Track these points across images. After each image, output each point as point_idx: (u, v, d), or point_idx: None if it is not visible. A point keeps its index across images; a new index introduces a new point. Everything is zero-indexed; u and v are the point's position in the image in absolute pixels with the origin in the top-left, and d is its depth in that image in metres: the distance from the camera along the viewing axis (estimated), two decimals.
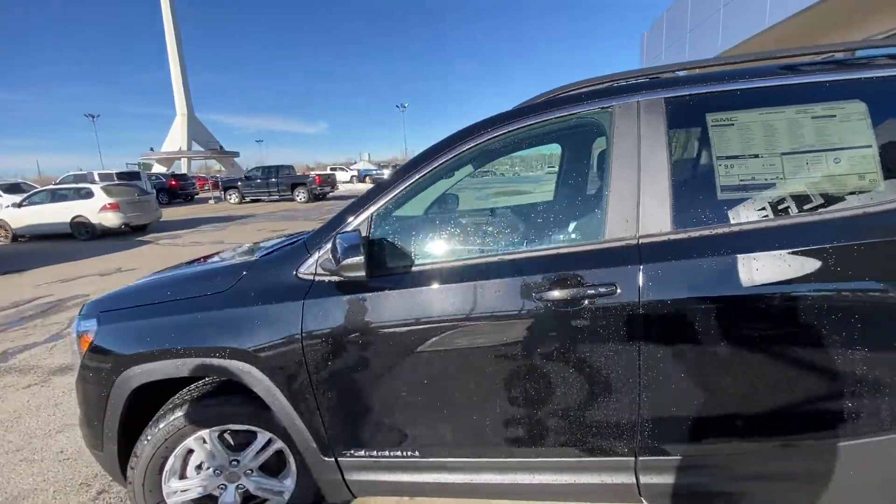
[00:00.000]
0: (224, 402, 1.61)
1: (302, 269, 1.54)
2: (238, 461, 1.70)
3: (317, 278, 1.52)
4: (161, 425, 1.60)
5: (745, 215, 1.31)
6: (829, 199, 1.28)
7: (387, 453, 1.53)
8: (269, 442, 1.68)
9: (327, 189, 20.56)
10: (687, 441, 1.35)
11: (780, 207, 1.30)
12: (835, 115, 1.32)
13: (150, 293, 1.74)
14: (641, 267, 1.30)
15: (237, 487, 1.72)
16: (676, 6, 16.00)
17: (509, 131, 1.49)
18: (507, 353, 1.39)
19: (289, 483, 1.73)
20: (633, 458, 1.39)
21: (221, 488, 1.72)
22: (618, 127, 1.41)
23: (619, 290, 1.29)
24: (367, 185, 32.11)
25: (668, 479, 1.38)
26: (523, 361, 1.39)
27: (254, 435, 1.69)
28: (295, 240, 1.92)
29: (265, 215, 15.28)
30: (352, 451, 1.55)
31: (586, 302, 1.31)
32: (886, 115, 1.27)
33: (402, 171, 1.56)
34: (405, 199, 1.56)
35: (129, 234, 11.30)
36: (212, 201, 20.95)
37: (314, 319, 1.47)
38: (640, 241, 1.33)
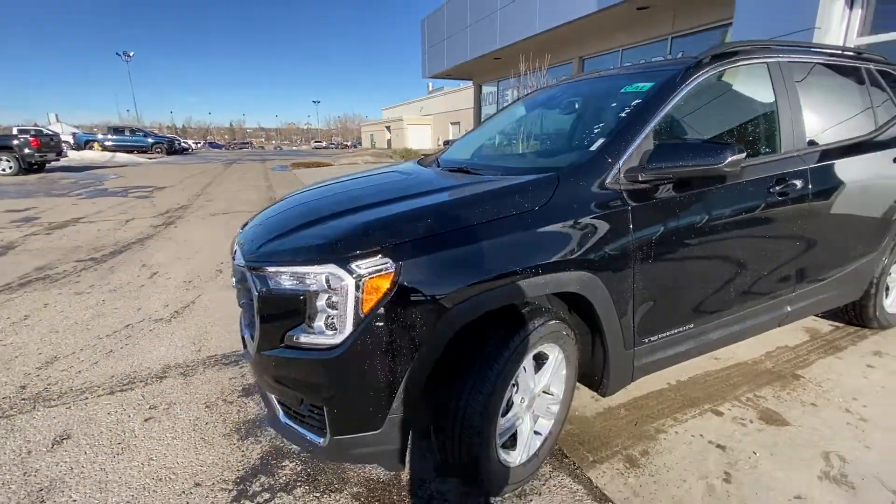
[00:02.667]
0: (546, 321, 1.53)
1: (608, 180, 1.63)
2: (534, 385, 1.64)
3: (622, 186, 1.64)
4: (507, 355, 1.41)
5: (837, 138, 2.19)
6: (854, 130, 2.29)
7: (671, 332, 1.83)
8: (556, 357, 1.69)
9: (50, 156, 14.68)
10: (815, 279, 2.19)
11: (840, 135, 2.23)
12: (862, 83, 2.33)
13: (439, 217, 1.42)
14: (808, 168, 2.01)
15: (532, 414, 1.66)
16: (456, 0, 18.07)
17: (718, 71, 1.94)
18: (757, 233, 1.91)
19: (557, 393, 1.76)
20: (791, 293, 2.15)
21: (519, 420, 1.63)
22: (774, 77, 2.05)
23: (799, 184, 1.98)
24: (98, 153, 24.21)
25: (803, 304, 2.21)
26: (764, 238, 1.94)
27: (543, 355, 1.66)
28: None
29: None
30: (648, 338, 1.77)
31: (790, 192, 1.95)
32: (885, 87, 2.36)
33: (651, 100, 1.80)
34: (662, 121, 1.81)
35: None
36: None
37: (640, 224, 1.61)
38: (798, 153, 2.04)
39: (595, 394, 2.15)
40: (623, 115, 1.80)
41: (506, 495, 1.62)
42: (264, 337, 1.46)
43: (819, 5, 5.61)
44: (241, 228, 1.99)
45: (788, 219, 2.00)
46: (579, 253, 1.51)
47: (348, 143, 77.53)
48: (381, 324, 1.30)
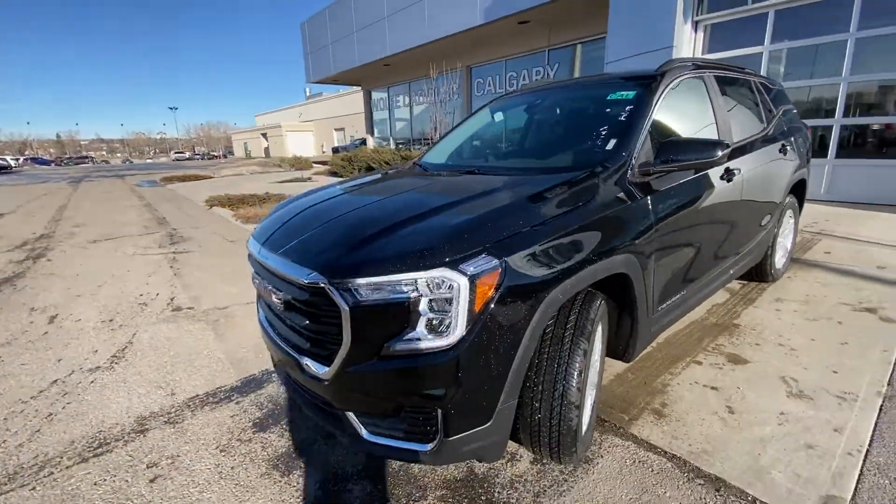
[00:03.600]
0: (601, 301, 1.72)
1: (629, 174, 1.89)
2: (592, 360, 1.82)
3: (637, 179, 1.91)
4: (587, 335, 1.57)
5: (748, 133, 2.78)
6: (758, 125, 2.94)
7: (672, 299, 2.16)
8: None
9: None
10: (743, 247, 2.77)
11: (749, 132, 2.85)
12: (752, 92, 2.99)
13: (521, 215, 1.52)
14: (734, 158, 2.54)
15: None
16: (338, 6, 17.73)
17: (676, 82, 2.35)
18: (719, 212, 2.35)
19: (597, 366, 1.94)
20: (734, 259, 2.69)
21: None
22: (708, 87, 2.55)
23: (736, 171, 2.50)
24: None
25: (737, 267, 2.77)
26: (723, 215, 2.41)
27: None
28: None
29: None
30: (659, 307, 2.07)
31: (733, 178, 2.45)
32: (764, 94, 3.04)
33: (642, 105, 2.13)
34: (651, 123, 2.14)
35: None
36: None
37: (656, 208, 1.91)
38: (731, 147, 2.57)
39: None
40: (623, 118, 2.09)
41: (579, 463, 1.78)
42: (356, 352, 1.41)
43: (674, 29, 6.86)
44: (262, 244, 1.82)
45: (733, 200, 2.51)
46: (622, 238, 1.74)
47: (217, 153, 70.16)
48: (492, 319, 1.36)
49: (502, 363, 1.41)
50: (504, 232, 1.44)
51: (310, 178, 15.16)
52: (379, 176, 2.54)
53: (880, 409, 2.01)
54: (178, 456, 1.96)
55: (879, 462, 1.72)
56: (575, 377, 1.53)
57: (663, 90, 2.21)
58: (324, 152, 46.04)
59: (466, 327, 1.34)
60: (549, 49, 12.67)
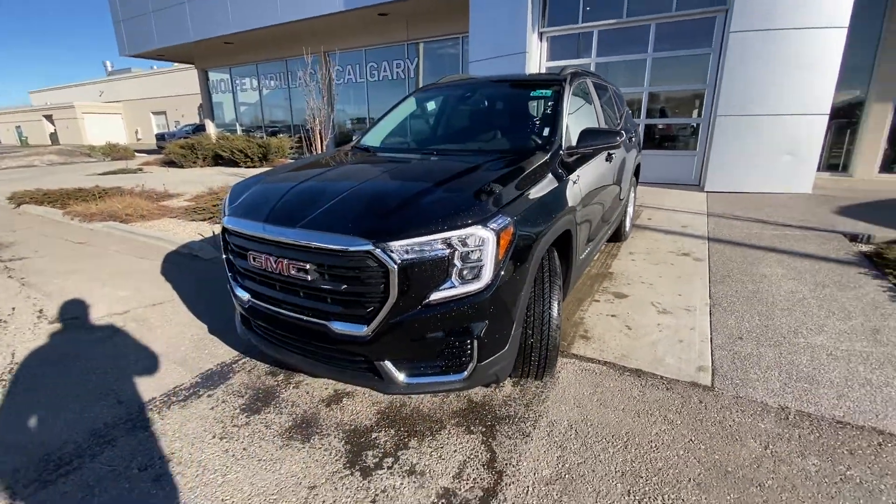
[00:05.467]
0: (555, 253, 2.24)
1: (560, 154, 2.44)
2: None
3: (564, 159, 2.48)
4: (559, 274, 2.06)
5: (616, 123, 3.66)
6: (615, 122, 3.87)
7: (585, 250, 2.83)
8: None
9: None
10: (615, 212, 3.66)
11: (614, 123, 3.75)
12: (610, 95, 3.91)
13: (514, 183, 1.92)
14: (623, 139, 3.37)
15: None
16: None
17: (577, 82, 3.02)
18: (608, 183, 3.10)
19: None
20: (611, 220, 3.54)
21: None
22: (590, 90, 3.32)
23: (613, 155, 3.32)
24: None
25: (612, 229, 3.65)
26: (609, 186, 3.16)
27: None
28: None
29: None
30: (581, 255, 2.70)
31: (612, 160, 3.25)
32: (616, 97, 3.99)
33: (560, 100, 2.72)
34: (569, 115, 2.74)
35: None
36: None
37: (580, 181, 2.51)
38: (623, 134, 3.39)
39: None
40: (549, 111, 2.64)
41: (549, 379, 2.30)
42: (402, 305, 1.64)
43: (526, 38, 8.00)
44: (264, 221, 1.85)
45: (611, 177, 3.33)
46: (566, 203, 2.28)
47: None
48: (509, 263, 1.74)
49: (515, 299, 1.80)
50: (506, 197, 1.83)
51: (140, 170, 12.93)
52: (338, 158, 2.64)
53: (710, 313, 3.03)
54: (173, 453, 1.86)
55: (719, 342, 2.65)
56: (556, 307, 2.01)
57: (570, 89, 2.85)
58: (139, 139, 38.81)
59: (493, 272, 1.69)
60: (408, 43, 13.15)
